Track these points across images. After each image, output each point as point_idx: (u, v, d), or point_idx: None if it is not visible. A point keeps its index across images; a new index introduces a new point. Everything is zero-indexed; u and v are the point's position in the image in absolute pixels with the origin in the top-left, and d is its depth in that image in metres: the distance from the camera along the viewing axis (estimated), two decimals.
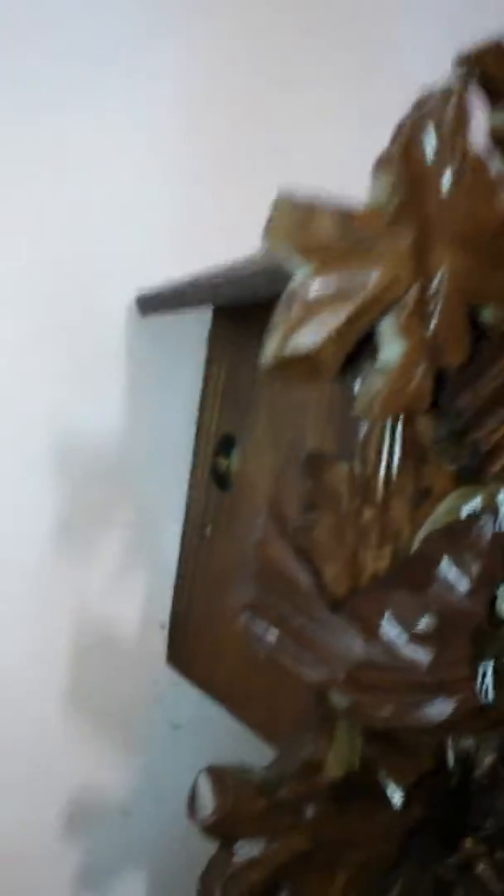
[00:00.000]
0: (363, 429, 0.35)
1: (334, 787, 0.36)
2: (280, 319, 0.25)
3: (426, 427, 0.37)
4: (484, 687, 0.31)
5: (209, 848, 0.56)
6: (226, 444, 0.51)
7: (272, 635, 0.29)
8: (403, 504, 0.36)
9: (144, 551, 0.53)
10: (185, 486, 0.53)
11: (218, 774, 0.33)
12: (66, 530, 0.51)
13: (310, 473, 0.34)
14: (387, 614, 0.31)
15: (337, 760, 0.36)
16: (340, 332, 0.25)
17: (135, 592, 0.54)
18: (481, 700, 0.31)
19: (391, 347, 0.27)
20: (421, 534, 0.37)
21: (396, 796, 0.33)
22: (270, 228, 0.25)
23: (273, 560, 0.30)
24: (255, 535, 0.30)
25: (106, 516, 0.52)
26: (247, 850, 0.34)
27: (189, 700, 0.55)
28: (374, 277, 0.25)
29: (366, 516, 0.35)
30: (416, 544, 0.37)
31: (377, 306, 0.25)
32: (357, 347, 0.27)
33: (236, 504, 0.49)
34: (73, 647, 0.52)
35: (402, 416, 0.36)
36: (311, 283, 0.25)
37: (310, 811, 0.35)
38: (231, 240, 0.46)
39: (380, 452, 0.36)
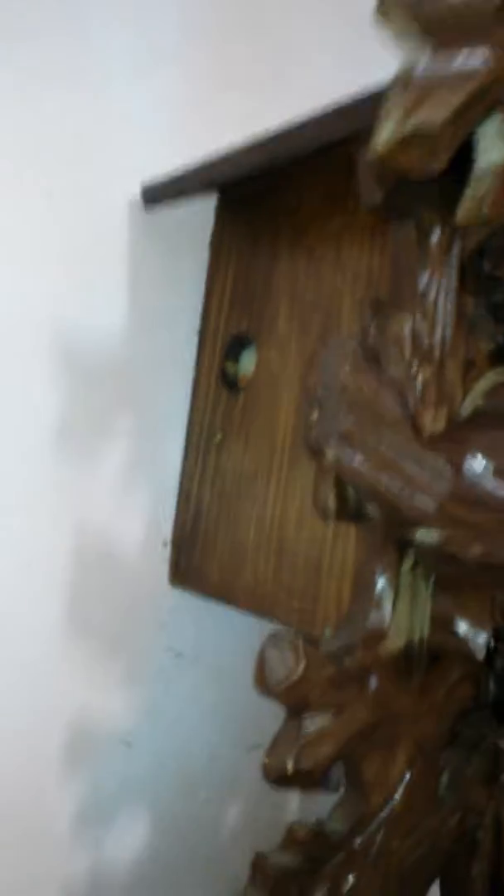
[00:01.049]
0: (423, 281, 0.34)
1: (395, 659, 0.34)
2: (396, 101, 0.23)
3: (467, 299, 0.36)
4: None
5: (209, 779, 0.54)
6: (235, 346, 0.49)
7: (363, 464, 0.27)
8: (457, 367, 0.36)
9: (145, 463, 0.50)
10: (188, 392, 0.50)
11: (289, 639, 0.31)
12: (63, 438, 0.48)
13: (373, 320, 0.32)
14: (471, 451, 0.30)
15: (398, 630, 0.34)
16: (460, 112, 0.23)
17: (135, 509, 0.51)
18: None
19: (495, 150, 0.26)
20: (467, 405, 0.37)
21: (480, 642, 0.32)
22: (386, 2, 0.23)
23: (363, 390, 0.28)
24: (343, 367, 0.28)
25: (105, 423, 0.49)
26: (315, 722, 0.32)
27: (191, 626, 0.53)
28: (493, 60, 0.24)
29: (426, 373, 0.34)
30: (463, 412, 0.36)
31: (495, 91, 0.24)
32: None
33: (252, 406, 0.47)
34: (73, 567, 0.48)
35: (454, 277, 0.36)
36: (431, 61, 0.23)
37: (373, 682, 0.34)
38: (234, 130, 0.44)
39: (437, 308, 0.35)
